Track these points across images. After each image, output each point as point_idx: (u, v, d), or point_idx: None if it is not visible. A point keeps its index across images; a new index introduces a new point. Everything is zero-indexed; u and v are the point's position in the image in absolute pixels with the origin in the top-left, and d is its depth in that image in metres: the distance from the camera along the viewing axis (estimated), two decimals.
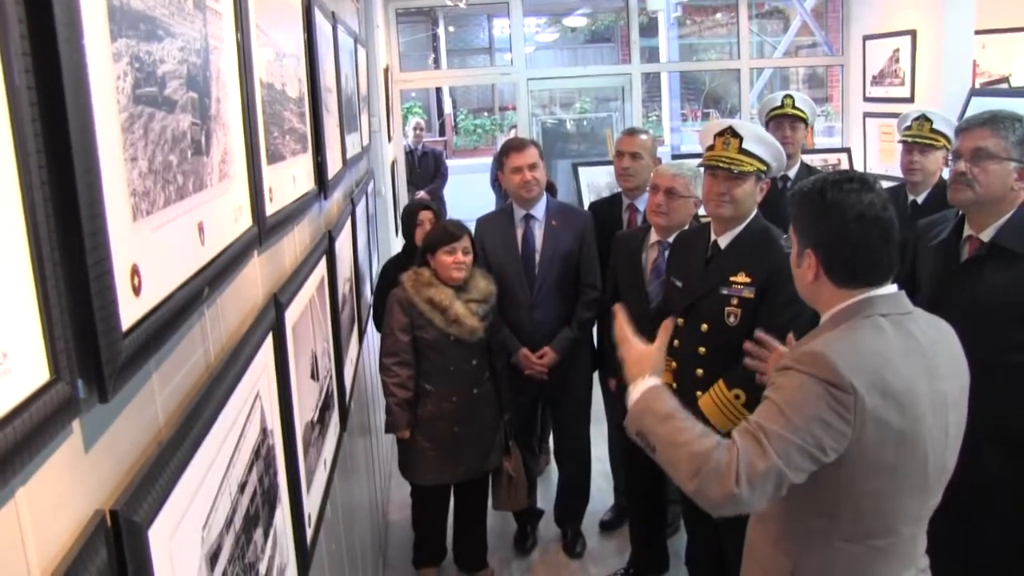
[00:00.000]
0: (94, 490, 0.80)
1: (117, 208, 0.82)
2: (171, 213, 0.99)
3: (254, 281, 1.54)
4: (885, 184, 4.37)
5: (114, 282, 0.79)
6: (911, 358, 1.60)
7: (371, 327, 3.88)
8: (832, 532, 1.65)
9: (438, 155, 8.46)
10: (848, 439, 1.53)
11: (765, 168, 2.60)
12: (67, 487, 0.75)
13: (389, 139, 5.97)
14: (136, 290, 0.87)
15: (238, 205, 1.36)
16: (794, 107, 3.86)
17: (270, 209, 1.60)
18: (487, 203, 7.47)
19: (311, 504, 1.81)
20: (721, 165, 2.57)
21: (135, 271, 0.86)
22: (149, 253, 0.91)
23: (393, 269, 3.65)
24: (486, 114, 18.25)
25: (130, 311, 0.84)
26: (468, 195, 8.95)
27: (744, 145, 2.55)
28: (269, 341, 1.51)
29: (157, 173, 0.94)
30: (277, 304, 1.59)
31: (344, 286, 2.78)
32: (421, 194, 7.55)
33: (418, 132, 8.20)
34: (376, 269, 4.28)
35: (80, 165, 0.72)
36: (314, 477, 1.91)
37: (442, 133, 17.07)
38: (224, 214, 1.26)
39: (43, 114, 0.68)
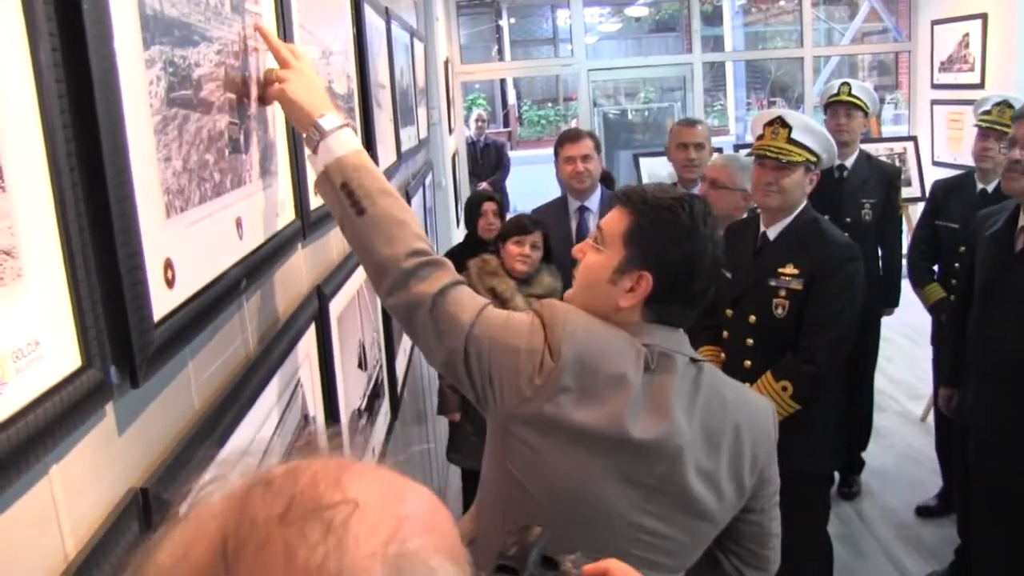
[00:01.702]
0: (128, 469, 0.85)
1: (150, 206, 0.87)
2: (207, 209, 1.04)
3: (298, 272, 1.59)
4: (952, 173, 4.28)
5: (146, 275, 0.84)
6: (644, 383, 1.40)
7: None
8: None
9: (500, 146, 8.49)
10: (507, 395, 1.38)
11: (815, 160, 2.57)
12: (101, 466, 0.80)
13: (450, 131, 6.03)
14: (170, 283, 0.92)
15: (280, 200, 1.41)
16: (850, 94, 3.78)
17: (315, 203, 1.65)
18: (552, 194, 7.44)
19: None
20: (769, 154, 2.55)
21: (168, 265, 0.91)
22: (183, 248, 0.96)
23: (454, 259, 3.70)
24: (550, 105, 18.21)
25: (163, 302, 0.89)
26: (532, 186, 8.93)
27: (793, 135, 2.53)
28: (312, 330, 1.57)
29: (192, 172, 1.00)
30: (320, 295, 1.65)
31: None
32: (483, 185, 7.60)
33: (480, 124, 8.25)
34: None
35: (110, 167, 0.77)
36: None
37: (506, 124, 17.09)
38: (264, 209, 1.31)
39: (75, 120, 0.74)
